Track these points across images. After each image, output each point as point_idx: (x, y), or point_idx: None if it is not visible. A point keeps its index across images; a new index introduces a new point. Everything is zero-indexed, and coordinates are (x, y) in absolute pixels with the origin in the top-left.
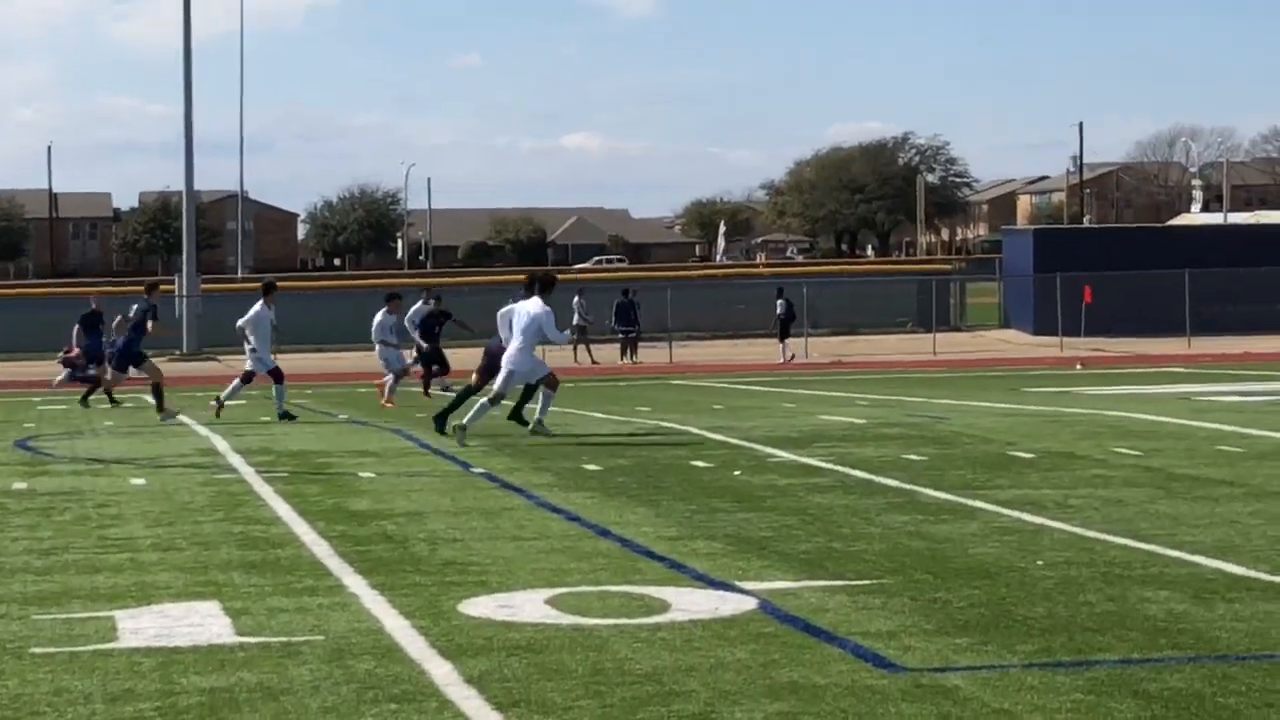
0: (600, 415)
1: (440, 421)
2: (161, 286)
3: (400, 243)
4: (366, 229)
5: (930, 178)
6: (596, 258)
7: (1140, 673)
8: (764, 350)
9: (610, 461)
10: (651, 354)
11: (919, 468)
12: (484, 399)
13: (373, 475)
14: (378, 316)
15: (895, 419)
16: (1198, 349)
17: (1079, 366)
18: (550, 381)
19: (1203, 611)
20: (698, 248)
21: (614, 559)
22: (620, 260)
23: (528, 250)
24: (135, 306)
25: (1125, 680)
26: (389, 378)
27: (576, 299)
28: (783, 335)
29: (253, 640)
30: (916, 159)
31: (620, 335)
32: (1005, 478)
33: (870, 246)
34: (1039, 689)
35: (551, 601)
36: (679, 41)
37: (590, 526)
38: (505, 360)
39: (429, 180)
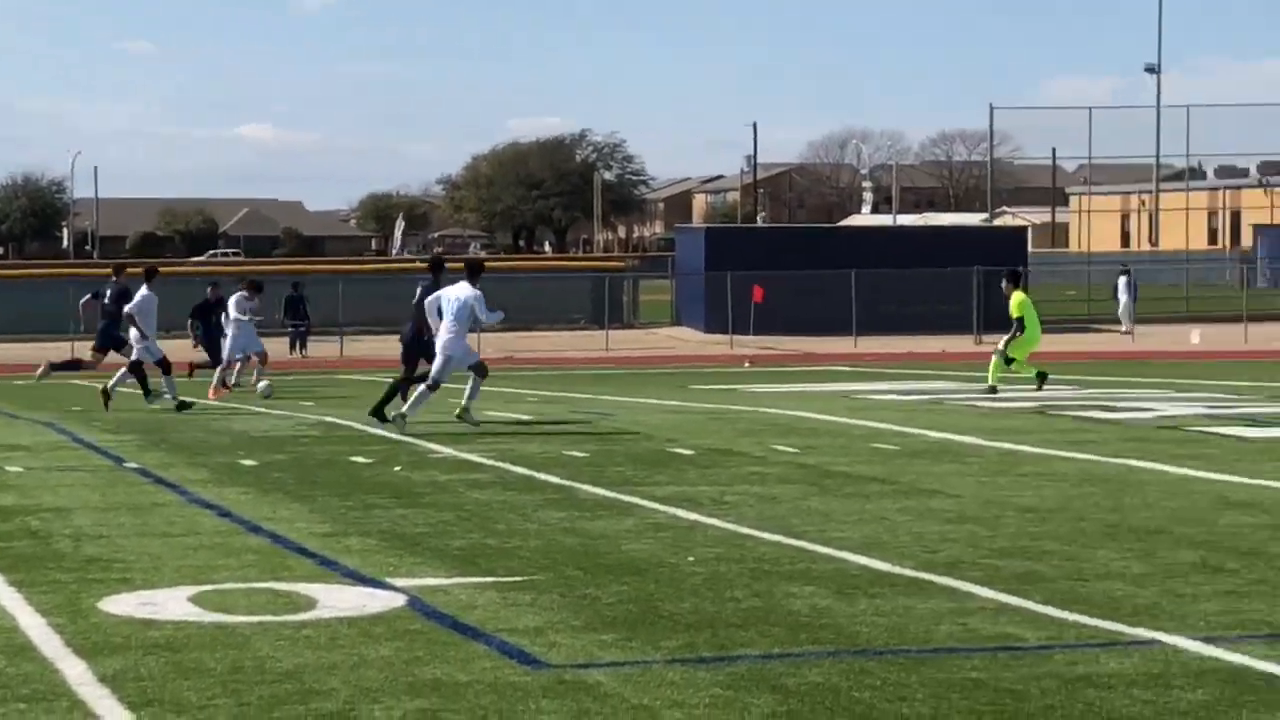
0: (262, 410)
1: (379, 411)
2: (129, 269)
3: (66, 232)
4: (30, 217)
5: (607, 175)
6: (211, 251)
7: (780, 667)
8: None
9: (267, 457)
10: (322, 348)
11: (580, 464)
12: (423, 386)
13: (20, 470)
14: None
15: (561, 415)
16: (864, 348)
17: (748, 364)
18: (480, 369)
19: (845, 607)
20: (374, 241)
21: (264, 555)
22: (236, 254)
23: (198, 241)
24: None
25: (765, 675)
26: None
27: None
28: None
29: None
30: (594, 156)
31: (290, 329)
32: (664, 474)
33: (547, 243)
34: (679, 684)
35: (195, 599)
36: (358, 34)
37: (242, 523)
38: (440, 346)
39: (95, 169)
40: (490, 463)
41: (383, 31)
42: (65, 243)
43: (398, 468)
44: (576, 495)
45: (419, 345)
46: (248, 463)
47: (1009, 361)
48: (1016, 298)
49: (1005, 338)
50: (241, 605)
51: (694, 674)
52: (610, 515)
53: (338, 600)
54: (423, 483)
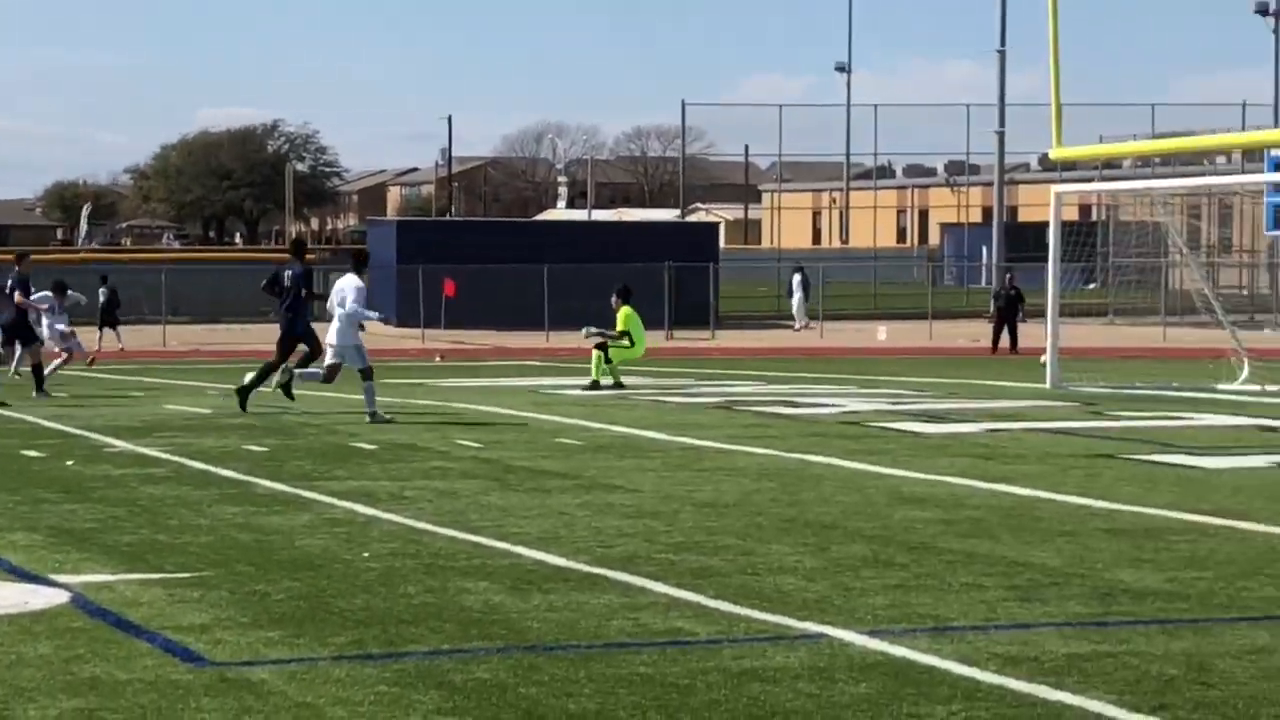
0: None
1: (243, 397)
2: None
3: None
4: None
5: (300, 166)
6: None
7: (448, 664)
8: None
9: None
10: None
11: (259, 458)
12: (314, 367)
13: None
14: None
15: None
16: (556, 343)
17: (439, 359)
18: (365, 373)
19: (518, 602)
20: (59, 231)
21: None
22: None
23: None
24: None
25: (432, 672)
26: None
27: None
28: (106, 323)
29: None
30: (286, 147)
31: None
32: (344, 469)
33: (238, 234)
34: (345, 681)
35: None
36: (47, 19)
37: None
38: (328, 336)
39: None
40: (167, 457)
41: (73, 17)
42: None
43: (70, 462)
44: (253, 490)
45: (298, 332)
46: None
47: (608, 361)
48: (624, 312)
49: (607, 339)
50: None
51: (361, 671)
52: (286, 511)
53: None
54: (95, 477)
